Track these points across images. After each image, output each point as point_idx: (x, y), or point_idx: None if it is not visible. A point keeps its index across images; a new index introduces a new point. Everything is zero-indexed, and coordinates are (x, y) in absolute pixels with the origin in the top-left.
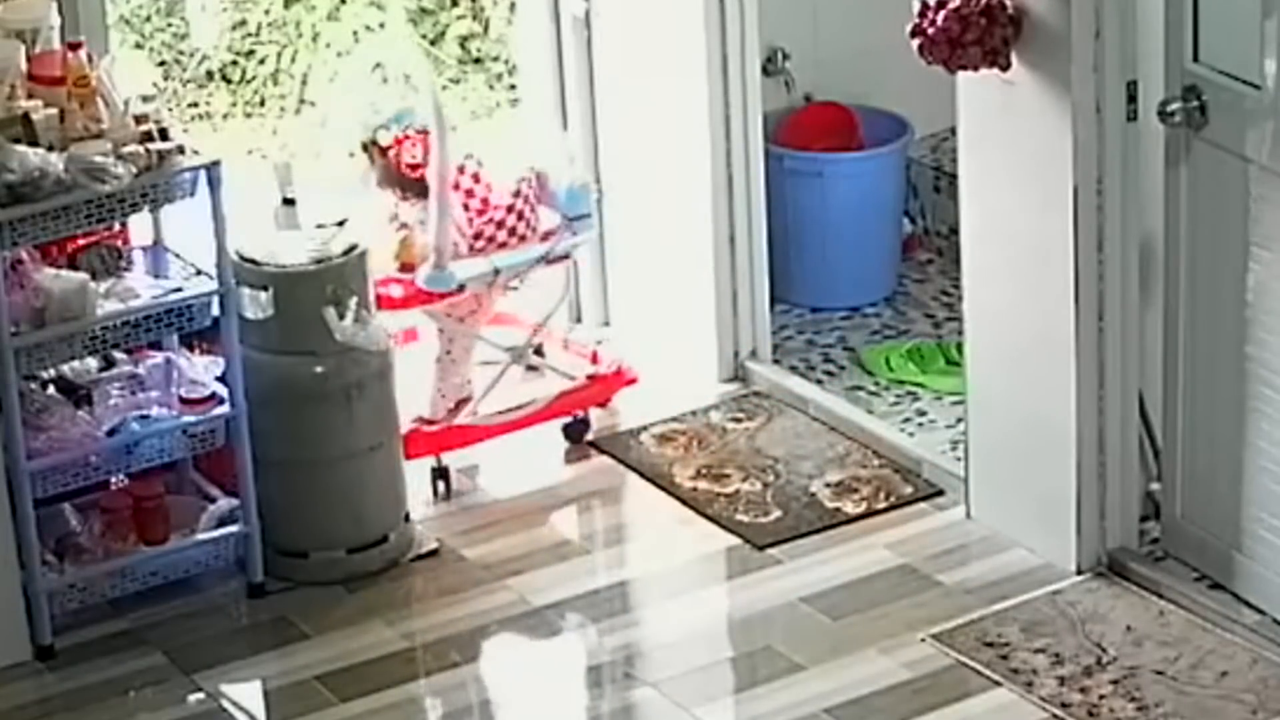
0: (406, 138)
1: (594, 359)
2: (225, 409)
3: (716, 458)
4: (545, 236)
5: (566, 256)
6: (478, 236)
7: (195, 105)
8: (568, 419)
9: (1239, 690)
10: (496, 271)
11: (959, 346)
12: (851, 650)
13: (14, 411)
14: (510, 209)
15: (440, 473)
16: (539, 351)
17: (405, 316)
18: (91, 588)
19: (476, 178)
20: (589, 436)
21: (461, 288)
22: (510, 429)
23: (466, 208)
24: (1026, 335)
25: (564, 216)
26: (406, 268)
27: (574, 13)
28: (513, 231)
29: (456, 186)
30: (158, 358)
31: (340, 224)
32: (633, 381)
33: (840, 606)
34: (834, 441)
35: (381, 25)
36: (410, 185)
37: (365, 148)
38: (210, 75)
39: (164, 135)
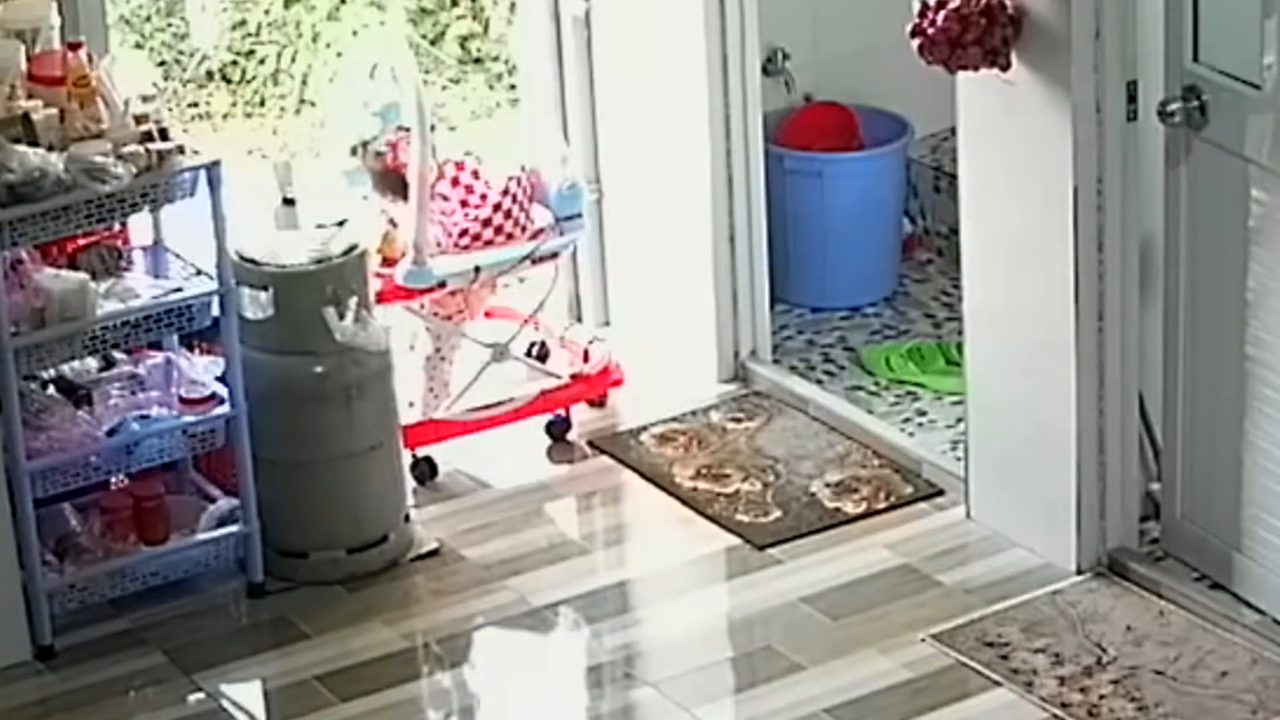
0: (400, 140)
1: (585, 357)
2: (225, 409)
3: (716, 458)
4: (535, 235)
5: (554, 255)
6: (464, 234)
7: (195, 105)
8: (550, 417)
9: (1239, 690)
10: (477, 269)
11: (959, 346)
12: (851, 650)
13: (14, 411)
14: (498, 207)
15: (421, 463)
16: (543, 351)
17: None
18: (91, 588)
19: (476, 174)
20: (571, 435)
21: (442, 284)
22: (489, 425)
23: (465, 204)
24: (1026, 335)
25: (554, 216)
26: (388, 262)
27: (574, 13)
28: (500, 230)
29: (456, 183)
30: (158, 358)
31: (340, 224)
32: (619, 382)
33: (840, 606)
34: (834, 441)
35: (382, 24)
36: (404, 186)
37: (355, 150)
38: (210, 75)
39: (164, 135)
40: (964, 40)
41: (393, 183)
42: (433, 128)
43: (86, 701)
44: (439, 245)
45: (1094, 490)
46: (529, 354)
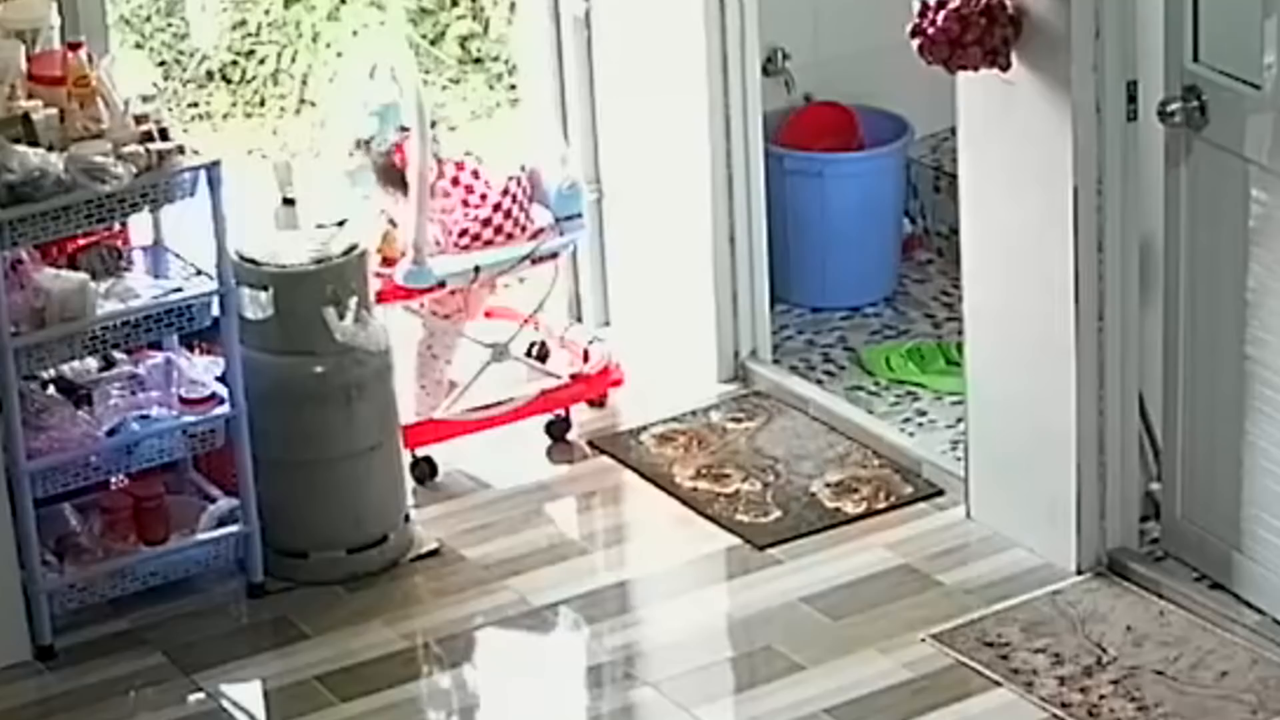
0: (404, 135)
1: (585, 357)
2: (225, 409)
3: (716, 458)
4: (535, 235)
5: (554, 256)
6: (463, 234)
7: (195, 105)
8: (550, 416)
9: (1239, 690)
10: (477, 269)
11: (959, 346)
12: (851, 650)
13: (14, 411)
14: (498, 207)
15: (421, 463)
16: (543, 351)
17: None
18: (91, 588)
19: (476, 174)
20: (571, 434)
21: (441, 284)
22: (489, 425)
23: (466, 204)
24: (1026, 335)
25: (554, 216)
26: (388, 262)
27: (574, 13)
28: (499, 230)
29: (456, 182)
30: (158, 358)
31: (340, 224)
32: (618, 382)
33: (840, 606)
34: (834, 441)
35: (382, 24)
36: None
37: (358, 144)
38: (210, 75)
39: (164, 135)
40: (964, 40)
41: (395, 178)
42: (433, 124)
43: (86, 701)
44: (438, 244)
45: (1094, 490)
46: (529, 354)
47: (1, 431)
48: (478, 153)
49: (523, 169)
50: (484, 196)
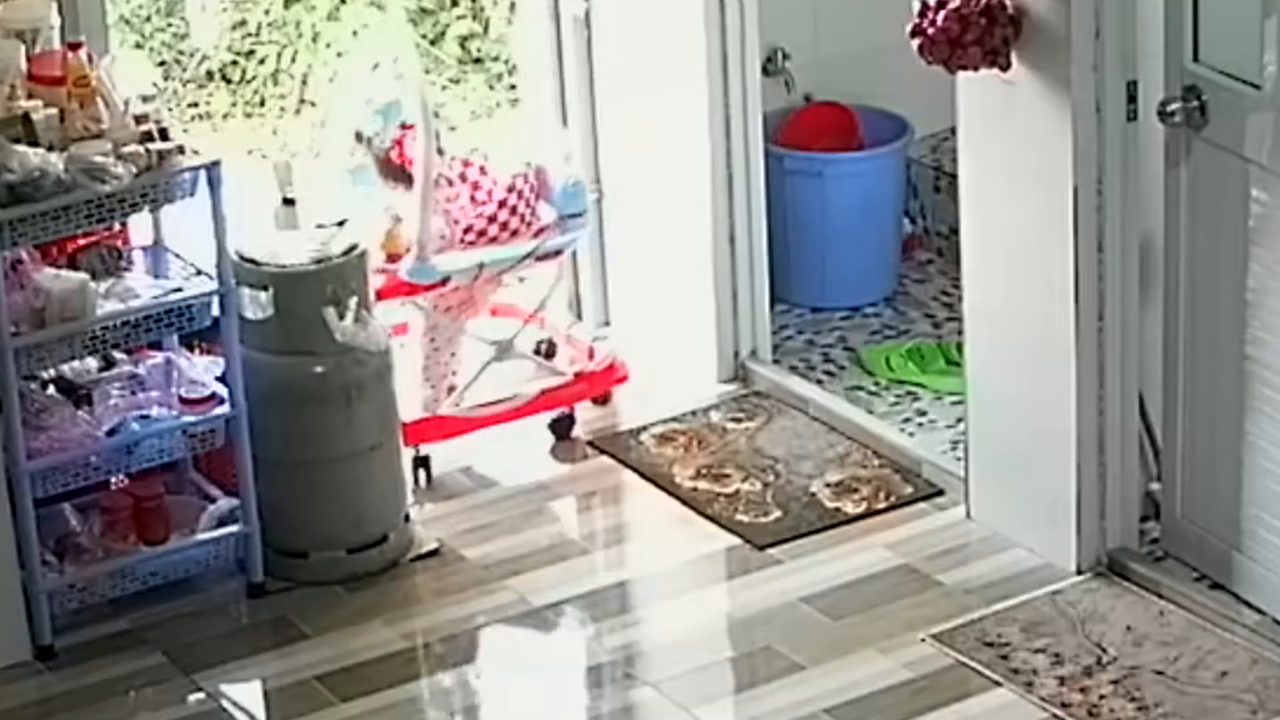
0: (406, 132)
1: (589, 355)
2: (225, 409)
3: (716, 458)
4: (539, 233)
5: (558, 253)
6: (468, 230)
7: (195, 105)
8: (554, 414)
9: (1239, 690)
10: (481, 266)
11: (959, 346)
12: (851, 650)
13: (14, 411)
14: (503, 204)
15: (420, 462)
16: (550, 349)
17: (397, 311)
18: (91, 588)
19: (484, 170)
20: (575, 433)
21: (445, 280)
22: (493, 422)
23: (474, 200)
24: (1026, 335)
25: (558, 214)
26: (392, 258)
27: (574, 13)
28: (505, 226)
29: (463, 178)
30: (158, 358)
31: (340, 224)
32: (623, 379)
33: (840, 606)
34: (834, 441)
35: (382, 24)
36: (409, 175)
37: (359, 137)
38: (210, 75)
39: (164, 135)
40: (964, 40)
41: (397, 172)
42: (436, 114)
43: (86, 701)
44: (443, 238)
45: (1094, 490)
46: (536, 351)
47: (1, 431)
48: (481, 152)
49: (529, 165)
50: (490, 193)
